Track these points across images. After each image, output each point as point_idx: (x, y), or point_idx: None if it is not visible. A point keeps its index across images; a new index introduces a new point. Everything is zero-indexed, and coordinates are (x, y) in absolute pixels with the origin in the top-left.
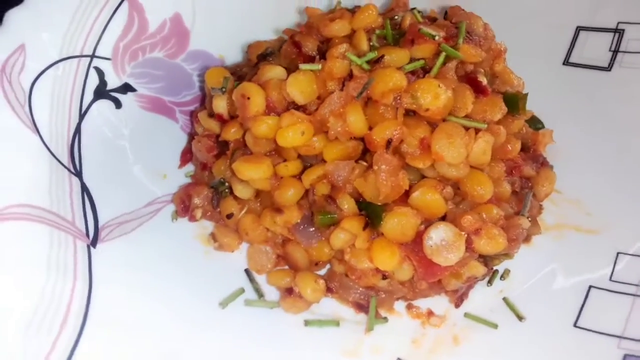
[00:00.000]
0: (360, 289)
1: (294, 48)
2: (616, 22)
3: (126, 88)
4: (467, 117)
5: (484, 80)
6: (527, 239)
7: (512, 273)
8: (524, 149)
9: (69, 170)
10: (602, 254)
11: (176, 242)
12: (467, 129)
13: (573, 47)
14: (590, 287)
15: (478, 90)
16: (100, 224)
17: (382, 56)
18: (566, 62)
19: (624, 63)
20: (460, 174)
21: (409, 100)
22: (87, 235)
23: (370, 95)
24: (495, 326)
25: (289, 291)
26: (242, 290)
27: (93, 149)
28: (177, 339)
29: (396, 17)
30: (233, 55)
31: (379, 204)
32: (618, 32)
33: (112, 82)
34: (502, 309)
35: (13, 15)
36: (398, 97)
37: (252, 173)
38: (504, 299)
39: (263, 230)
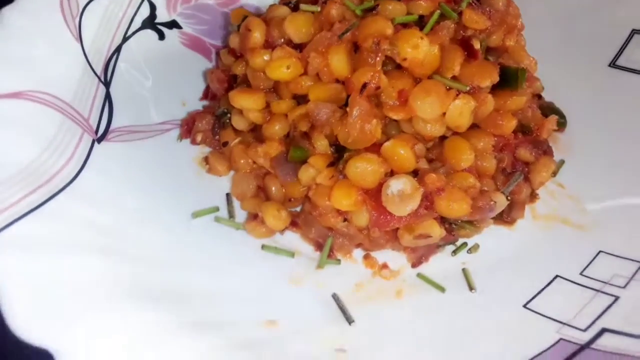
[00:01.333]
0: (322, 228)
1: None
2: None
3: (173, 24)
4: (454, 79)
5: (477, 45)
6: (510, 222)
7: (482, 249)
8: (525, 131)
9: (99, 79)
10: (583, 249)
11: (174, 159)
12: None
13: (624, 49)
14: (556, 276)
15: (469, 53)
16: (112, 127)
17: (377, 5)
18: (612, 64)
19: None
20: (434, 132)
21: (387, 47)
22: (97, 132)
23: (356, 39)
24: (443, 290)
25: (254, 216)
26: (216, 208)
27: (126, 68)
28: (136, 236)
29: None
30: None
31: (351, 148)
32: None
33: (162, 17)
34: (457, 278)
35: None
36: (377, 43)
37: (244, 102)
38: (463, 269)
39: (249, 161)
